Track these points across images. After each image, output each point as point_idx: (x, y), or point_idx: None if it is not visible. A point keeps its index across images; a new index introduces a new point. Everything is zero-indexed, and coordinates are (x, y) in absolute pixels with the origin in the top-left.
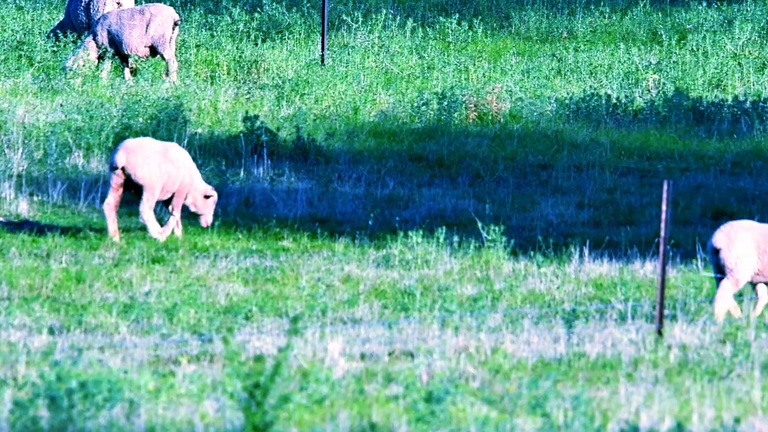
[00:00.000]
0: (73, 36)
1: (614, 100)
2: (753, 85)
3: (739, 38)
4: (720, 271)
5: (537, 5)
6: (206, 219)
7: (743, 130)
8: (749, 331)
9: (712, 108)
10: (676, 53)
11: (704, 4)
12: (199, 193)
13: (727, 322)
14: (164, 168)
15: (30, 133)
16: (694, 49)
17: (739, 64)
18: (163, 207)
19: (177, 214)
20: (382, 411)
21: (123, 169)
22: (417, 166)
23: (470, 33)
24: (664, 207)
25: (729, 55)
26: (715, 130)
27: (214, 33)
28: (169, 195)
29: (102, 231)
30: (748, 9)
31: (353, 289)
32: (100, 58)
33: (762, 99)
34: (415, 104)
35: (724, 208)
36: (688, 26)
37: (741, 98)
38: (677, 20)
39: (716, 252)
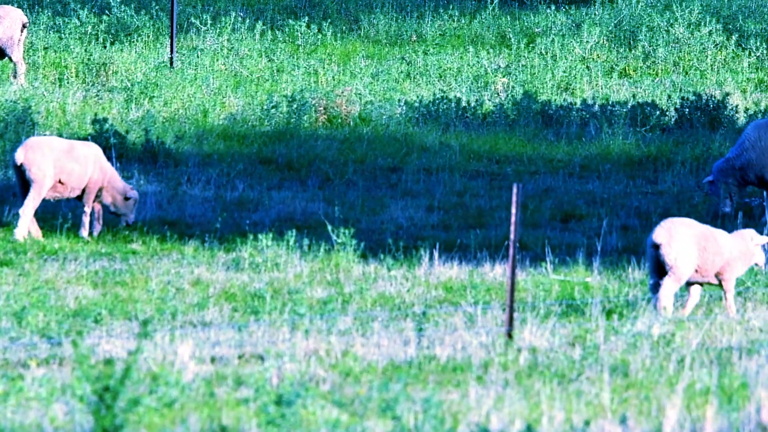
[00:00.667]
0: None
1: (463, 104)
2: (601, 88)
3: (587, 42)
4: (659, 269)
5: (386, 9)
6: (128, 219)
7: (592, 133)
8: (598, 333)
9: (560, 111)
10: (524, 57)
11: (553, 8)
12: (118, 193)
13: (576, 324)
14: (65, 166)
15: None
16: (543, 52)
17: (588, 67)
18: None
19: (87, 210)
20: (232, 414)
21: (21, 166)
22: (267, 169)
23: (319, 36)
24: (513, 210)
25: (577, 58)
26: (564, 134)
27: (62, 35)
28: (77, 192)
29: None
30: (597, 13)
31: (203, 292)
32: None
33: (610, 103)
34: (265, 107)
35: (572, 211)
36: (536, 30)
37: (589, 102)
38: (526, 24)
39: (656, 247)
